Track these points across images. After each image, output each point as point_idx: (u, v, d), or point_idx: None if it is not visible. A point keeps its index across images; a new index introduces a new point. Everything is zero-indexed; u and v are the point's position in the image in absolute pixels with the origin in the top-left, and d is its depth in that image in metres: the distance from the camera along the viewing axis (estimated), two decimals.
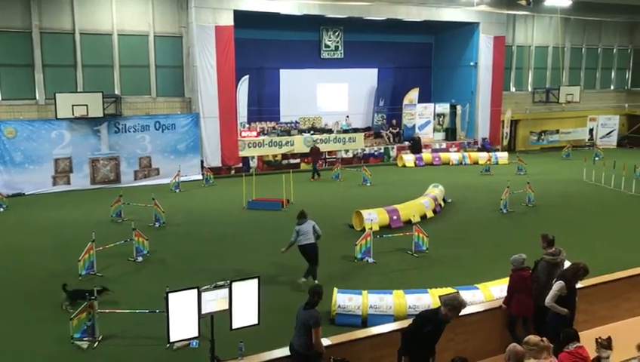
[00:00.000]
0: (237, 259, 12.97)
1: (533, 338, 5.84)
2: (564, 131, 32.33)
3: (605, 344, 6.61)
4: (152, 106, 23.39)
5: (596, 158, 24.83)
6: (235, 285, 6.56)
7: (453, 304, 6.49)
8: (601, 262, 11.28)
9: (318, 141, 25.73)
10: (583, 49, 33.33)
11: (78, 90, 21.67)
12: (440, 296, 6.89)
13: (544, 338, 5.82)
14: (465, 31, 29.09)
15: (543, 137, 31.96)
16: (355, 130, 28.05)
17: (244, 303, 6.62)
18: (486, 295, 9.75)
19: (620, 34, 34.17)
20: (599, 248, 13.60)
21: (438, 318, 6.56)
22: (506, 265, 8.57)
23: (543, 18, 30.80)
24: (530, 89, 32.09)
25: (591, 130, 32.99)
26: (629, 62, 34.98)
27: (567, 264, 9.43)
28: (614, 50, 34.33)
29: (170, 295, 6.26)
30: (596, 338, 6.76)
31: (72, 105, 20.46)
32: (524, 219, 16.91)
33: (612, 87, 34.86)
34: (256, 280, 6.70)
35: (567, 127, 32.49)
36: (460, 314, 6.94)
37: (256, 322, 6.78)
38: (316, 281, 10.98)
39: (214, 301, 6.51)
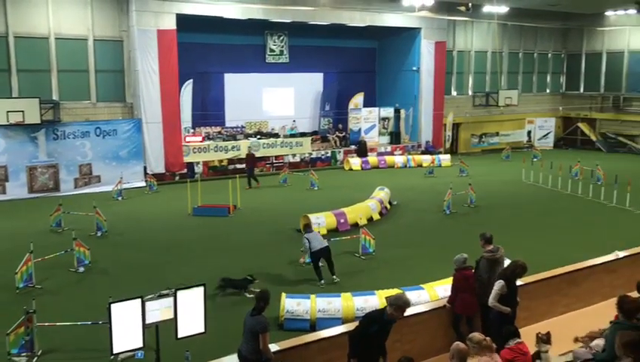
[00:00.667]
0: (183, 267, 12.76)
1: (477, 335, 6.01)
2: (503, 133, 33.37)
3: (545, 339, 6.85)
4: (92, 112, 22.74)
5: (534, 159, 25.75)
6: (180, 293, 6.45)
7: (398, 303, 6.59)
8: (541, 260, 11.67)
9: (265, 145, 25.67)
10: (520, 54, 34.54)
11: (14, 96, 20.84)
12: (386, 297, 6.99)
13: (487, 338, 5.99)
14: (407, 36, 29.64)
15: (483, 140, 32.89)
16: (302, 135, 28.12)
17: (190, 311, 6.53)
18: (431, 295, 9.96)
19: (555, 40, 35.59)
20: (538, 246, 14.09)
21: (383, 318, 6.65)
22: (449, 265, 8.76)
23: (481, 24, 31.75)
24: (470, 93, 32.98)
25: (529, 133, 34.17)
26: (563, 66, 36.47)
27: (506, 261, 9.74)
28: (549, 55, 35.73)
29: (112, 305, 6.11)
30: (536, 334, 7.00)
31: (7, 112, 19.66)
32: (467, 219, 17.36)
33: (548, 91, 36.24)
34: (202, 288, 6.62)
35: (506, 130, 33.56)
36: (406, 313, 7.06)
37: (202, 330, 6.69)
38: (334, 277, 11.75)
39: (159, 310, 6.40)
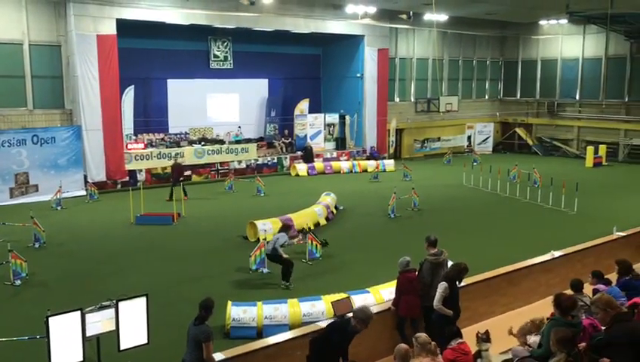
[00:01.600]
0: (125, 277, 12.45)
1: (423, 337, 6.14)
2: (444, 138, 34.19)
3: (484, 337, 7.05)
4: (28, 119, 21.91)
5: (474, 163, 26.45)
6: (122, 304, 6.32)
7: (362, 317, 6.69)
8: (481, 261, 12.03)
9: (210, 152, 25.39)
10: (460, 61, 35.52)
11: None
12: (354, 310, 7.08)
13: (432, 342, 6.13)
14: (351, 43, 30.00)
15: (425, 145, 33.60)
16: (248, 141, 27.98)
17: (132, 322, 6.40)
18: (377, 298, 10.10)
19: (492, 47, 36.80)
20: (479, 247, 14.52)
21: (347, 329, 6.74)
22: (394, 268, 8.91)
23: (422, 32, 32.48)
24: (412, 99, 33.65)
25: (469, 137, 35.14)
26: (501, 73, 37.73)
27: (450, 264, 9.98)
28: (487, 62, 36.91)
29: (50, 319, 5.91)
30: (476, 333, 7.21)
31: None
32: (411, 222, 17.69)
33: (486, 97, 37.40)
34: (144, 298, 6.50)
35: (447, 135, 34.41)
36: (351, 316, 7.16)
37: (145, 341, 6.57)
38: (284, 282, 11.85)
39: (100, 322, 6.25)
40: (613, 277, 9.07)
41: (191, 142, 26.29)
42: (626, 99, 31.81)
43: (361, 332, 6.83)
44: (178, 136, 26.87)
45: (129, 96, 24.63)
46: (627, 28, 29.23)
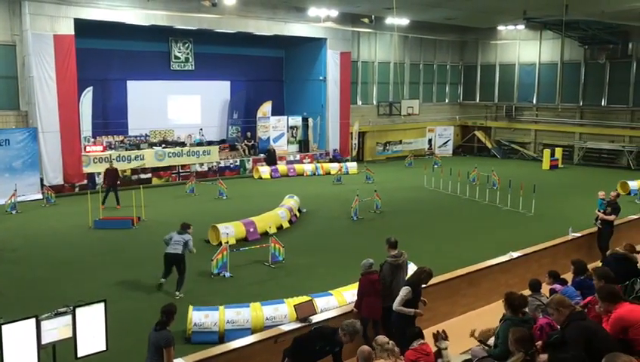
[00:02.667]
0: (83, 283, 12.17)
1: (381, 338, 6.19)
2: (406, 141, 34.55)
3: (442, 336, 7.15)
4: None
5: (435, 166, 26.84)
6: (79, 311, 6.17)
7: (350, 330, 6.68)
8: (442, 262, 12.21)
9: (170, 155, 25.03)
10: (421, 65, 35.98)
11: None
12: (344, 323, 7.03)
13: (391, 342, 6.19)
14: (313, 46, 30.07)
15: (388, 147, 33.90)
16: (210, 143, 27.71)
17: (90, 329, 6.26)
18: (339, 300, 10.12)
19: (452, 52, 37.41)
20: (440, 248, 14.73)
21: (334, 339, 6.74)
22: (357, 270, 8.95)
23: (384, 36, 32.79)
24: (375, 102, 33.92)
25: (430, 140, 35.61)
26: (461, 77, 38.39)
27: (410, 265, 10.11)
28: (448, 66, 37.50)
29: (3, 327, 5.73)
30: (433, 333, 7.30)
31: None
32: (373, 224, 17.81)
33: (447, 101, 37.99)
34: (102, 304, 6.36)
35: (409, 138, 34.79)
36: (318, 318, 7.16)
37: (104, 348, 6.43)
38: (177, 293, 11.10)
39: (56, 329, 6.09)
40: (569, 276, 9.32)
41: (151, 145, 25.87)
42: (581, 103, 32.77)
43: (345, 344, 6.82)
44: (138, 138, 26.41)
45: (87, 97, 24.09)
46: (581, 34, 30.15)
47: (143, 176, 24.18)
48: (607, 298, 5.82)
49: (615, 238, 13.39)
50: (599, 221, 13.24)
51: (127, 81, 26.90)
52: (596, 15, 26.07)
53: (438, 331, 7.15)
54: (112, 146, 24.90)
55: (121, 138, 25.92)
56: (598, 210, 13.52)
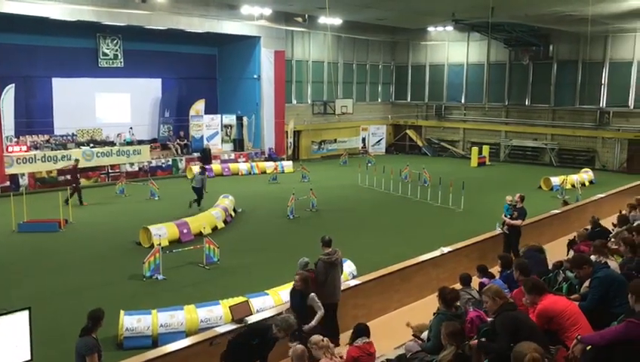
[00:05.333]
0: (6, 290, 11.59)
1: (315, 337, 6.23)
2: (341, 140, 34.90)
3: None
4: None
5: (369, 164, 27.22)
6: (1, 319, 5.88)
7: (284, 326, 6.73)
8: (377, 258, 12.43)
9: (99, 154, 24.19)
10: (354, 65, 36.41)
11: None
12: (277, 318, 7.05)
13: (325, 338, 6.23)
14: (247, 44, 29.84)
15: (323, 146, 34.12)
16: (140, 142, 27.00)
17: (13, 338, 5.97)
18: (275, 299, 10.10)
19: (384, 52, 38.08)
20: (374, 245, 14.97)
21: (267, 335, 6.75)
22: (293, 269, 8.96)
23: (317, 35, 32.96)
24: (309, 101, 34.04)
25: (363, 139, 36.11)
26: (392, 77, 39.14)
27: (346, 262, 10.23)
28: (380, 66, 38.13)
29: None
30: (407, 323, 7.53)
31: None
32: (309, 223, 17.89)
33: (379, 100, 38.62)
34: (26, 312, 6.08)
35: (343, 137, 35.15)
36: (251, 320, 7.12)
37: (29, 357, 6.16)
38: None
39: None
40: (496, 271, 9.68)
41: (79, 144, 24.93)
42: (507, 103, 34.12)
43: (280, 340, 6.87)
44: (65, 137, 25.39)
45: (9, 95, 22.94)
46: (506, 36, 31.38)
47: (69, 177, 23.20)
48: (532, 290, 6.08)
49: (538, 233, 14.07)
50: (506, 226, 12.93)
51: (53, 79, 25.88)
52: (520, 18, 27.20)
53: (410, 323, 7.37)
54: (37, 146, 23.82)
55: (46, 137, 24.85)
56: (505, 215, 13.18)
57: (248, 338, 6.79)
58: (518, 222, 12.81)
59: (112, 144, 25.80)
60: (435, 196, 20.87)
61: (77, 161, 20.88)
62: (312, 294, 7.98)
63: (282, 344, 8.15)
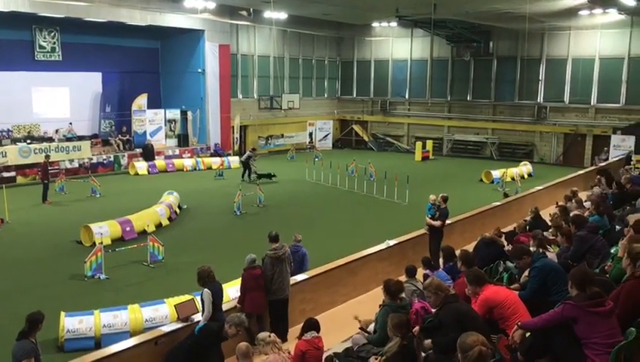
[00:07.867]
0: None
1: (262, 334, 6.23)
2: (288, 135, 34.87)
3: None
4: None
5: (316, 159, 27.34)
6: None
7: (236, 322, 6.84)
8: (324, 252, 12.47)
9: (37, 151, 23.28)
10: (300, 60, 36.39)
11: None
12: (229, 317, 7.04)
13: (272, 334, 6.24)
14: (190, 37, 29.32)
15: (270, 141, 33.99)
16: (80, 138, 26.16)
17: None
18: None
19: (330, 47, 38.22)
20: (322, 239, 15.03)
21: (220, 334, 6.86)
22: (241, 266, 8.92)
23: (263, 29, 32.74)
24: (255, 96, 33.81)
25: (310, 134, 36.19)
26: (338, 72, 39.34)
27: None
28: (326, 61, 38.25)
29: None
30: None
31: None
32: (256, 218, 17.82)
33: (326, 95, 38.76)
34: None
35: (290, 132, 35.12)
36: (197, 317, 7.01)
37: None
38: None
39: None
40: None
41: (15, 141, 23.94)
42: (449, 98, 34.89)
43: (232, 337, 6.90)
44: None
45: None
46: (448, 33, 32.06)
47: (6, 174, 22.30)
48: (474, 281, 6.25)
49: (481, 224, 14.46)
50: (426, 226, 12.70)
51: None
52: (461, 15, 27.84)
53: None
54: None
55: None
56: (427, 215, 12.85)
57: (203, 339, 6.89)
58: (438, 223, 12.46)
59: (51, 140, 24.90)
60: (380, 190, 21.15)
61: (48, 156, 20.24)
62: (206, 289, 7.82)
63: (230, 340, 8.13)
